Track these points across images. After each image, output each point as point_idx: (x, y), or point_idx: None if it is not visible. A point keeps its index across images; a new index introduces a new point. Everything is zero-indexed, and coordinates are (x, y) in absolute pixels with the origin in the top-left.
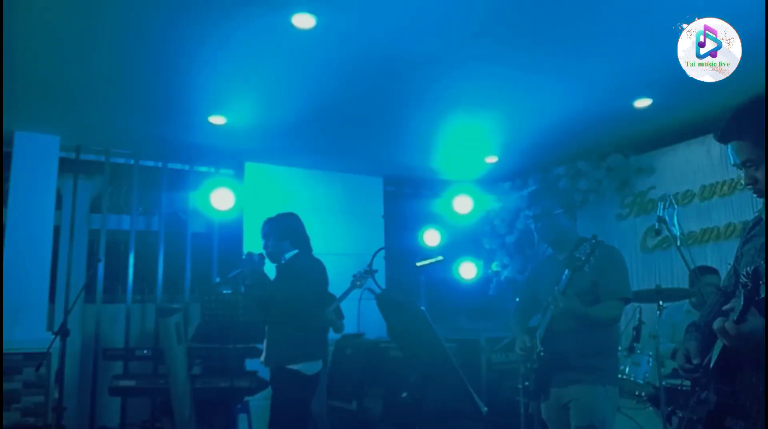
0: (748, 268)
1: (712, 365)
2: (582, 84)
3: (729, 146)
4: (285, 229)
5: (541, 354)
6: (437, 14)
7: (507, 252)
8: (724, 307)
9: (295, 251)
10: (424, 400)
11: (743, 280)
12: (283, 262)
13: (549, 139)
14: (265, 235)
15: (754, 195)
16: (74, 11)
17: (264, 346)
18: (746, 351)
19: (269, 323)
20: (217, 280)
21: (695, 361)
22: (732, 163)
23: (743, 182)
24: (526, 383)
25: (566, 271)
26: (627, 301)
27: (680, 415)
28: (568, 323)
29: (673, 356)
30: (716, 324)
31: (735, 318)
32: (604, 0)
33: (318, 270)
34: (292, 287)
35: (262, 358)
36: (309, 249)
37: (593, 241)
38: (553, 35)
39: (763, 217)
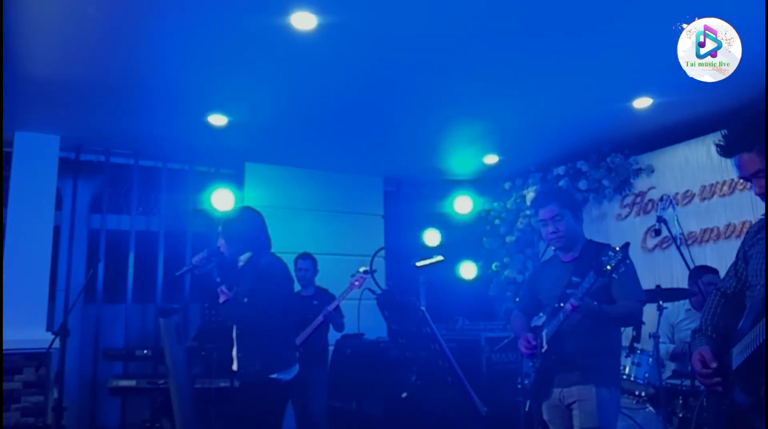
0: None
1: (735, 367)
2: (582, 84)
3: (735, 159)
4: (235, 232)
5: (545, 352)
6: (437, 15)
7: (507, 252)
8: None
9: (249, 253)
10: (424, 400)
11: None
12: (239, 265)
13: (549, 139)
14: (219, 235)
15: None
16: (74, 11)
17: (235, 354)
18: None
19: (240, 331)
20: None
21: (714, 366)
22: (738, 176)
23: (755, 192)
24: (526, 381)
25: (590, 275)
26: (644, 303)
27: (680, 415)
28: (577, 324)
29: (672, 359)
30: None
31: None
32: (604, 0)
33: (281, 270)
34: (259, 295)
35: (235, 366)
36: (265, 248)
37: (624, 249)
38: (553, 35)
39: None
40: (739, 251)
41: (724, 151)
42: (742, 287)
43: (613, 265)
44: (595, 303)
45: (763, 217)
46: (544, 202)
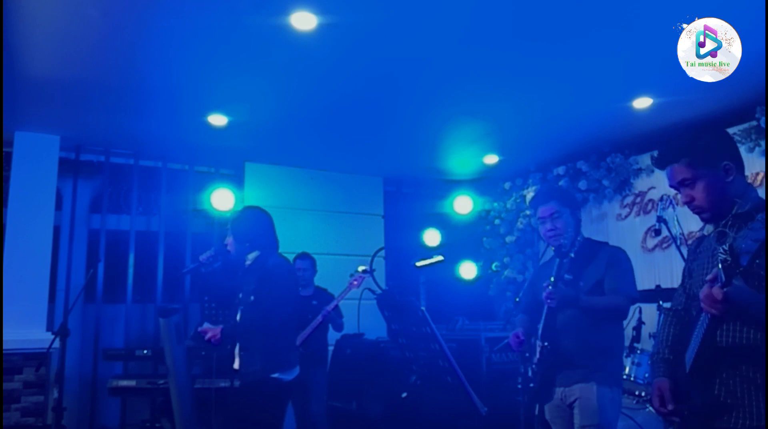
0: (725, 246)
1: (688, 370)
2: (582, 84)
3: (667, 170)
4: (244, 231)
5: (542, 349)
6: (437, 15)
7: (507, 252)
8: (707, 277)
9: (257, 253)
10: (424, 400)
11: (722, 256)
12: (246, 264)
13: (549, 139)
14: (227, 233)
15: (693, 211)
16: (74, 11)
17: (237, 352)
18: (733, 315)
19: (243, 330)
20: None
21: (670, 408)
22: (669, 184)
23: (682, 201)
24: (531, 385)
25: (556, 261)
26: (633, 299)
27: None
28: (570, 318)
29: None
30: (702, 292)
31: (720, 284)
32: (604, 0)
33: (287, 271)
34: (265, 295)
35: (237, 365)
36: (272, 248)
37: (581, 238)
38: (553, 35)
39: (705, 233)
40: (684, 269)
41: (657, 162)
42: (691, 301)
43: (568, 245)
44: (572, 291)
45: (700, 233)
46: (545, 199)
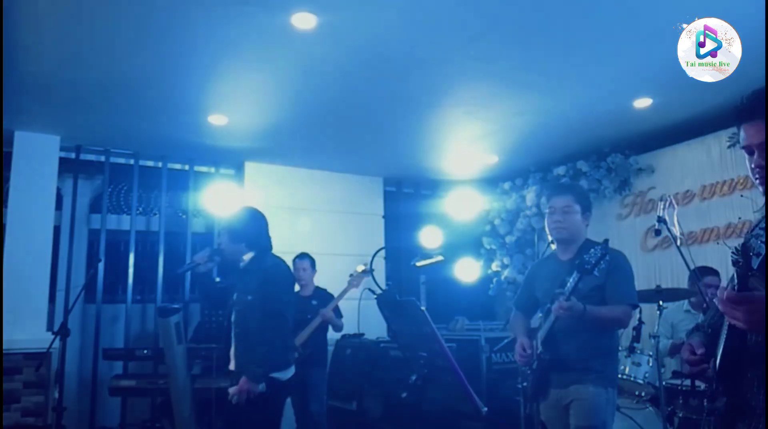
0: (737, 246)
1: (717, 366)
2: (582, 84)
3: (750, 124)
4: (240, 231)
5: (542, 355)
6: (438, 14)
7: (507, 252)
8: (724, 284)
9: (252, 253)
10: (424, 400)
11: (734, 257)
12: (242, 265)
13: (549, 139)
14: (221, 233)
15: (757, 181)
16: (74, 11)
17: (233, 353)
18: (755, 323)
19: (240, 330)
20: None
21: (700, 351)
22: (744, 145)
23: (752, 166)
24: (525, 384)
25: (574, 274)
26: (634, 307)
27: (680, 415)
28: (569, 324)
29: (671, 354)
30: (718, 296)
31: (732, 287)
32: (603, 0)
33: (285, 271)
34: (264, 295)
35: (232, 366)
36: (267, 249)
37: (604, 245)
38: (553, 35)
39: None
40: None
41: (746, 112)
42: None
43: (593, 262)
44: (582, 304)
45: (757, 216)
46: (562, 191)
